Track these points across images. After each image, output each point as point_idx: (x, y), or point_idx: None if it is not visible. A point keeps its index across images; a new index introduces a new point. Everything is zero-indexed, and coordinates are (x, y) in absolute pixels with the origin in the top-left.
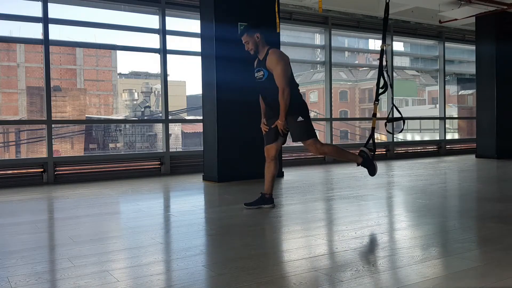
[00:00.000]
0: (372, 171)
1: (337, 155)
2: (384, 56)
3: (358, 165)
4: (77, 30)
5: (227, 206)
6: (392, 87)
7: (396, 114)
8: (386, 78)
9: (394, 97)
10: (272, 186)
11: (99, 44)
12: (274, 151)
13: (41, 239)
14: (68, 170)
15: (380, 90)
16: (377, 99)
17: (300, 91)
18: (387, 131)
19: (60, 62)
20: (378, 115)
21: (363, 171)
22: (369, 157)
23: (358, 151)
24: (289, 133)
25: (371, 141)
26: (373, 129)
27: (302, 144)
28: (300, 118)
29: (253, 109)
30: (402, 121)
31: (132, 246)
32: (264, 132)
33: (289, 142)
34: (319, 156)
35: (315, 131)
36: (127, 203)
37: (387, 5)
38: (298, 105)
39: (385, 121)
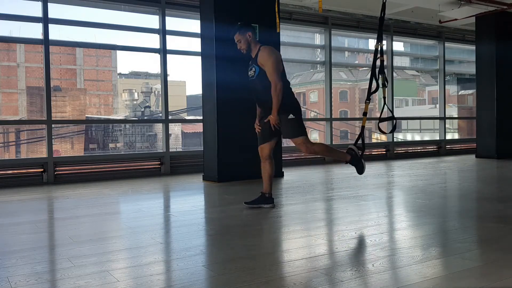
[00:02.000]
0: (360, 170)
1: (327, 153)
2: (379, 55)
3: (346, 162)
4: (77, 30)
5: (227, 206)
6: (385, 86)
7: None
8: (379, 78)
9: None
10: (270, 186)
11: (99, 44)
12: (268, 150)
13: (41, 239)
14: (68, 170)
15: (372, 89)
16: (368, 99)
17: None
18: (380, 131)
19: (60, 62)
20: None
21: None
22: (357, 155)
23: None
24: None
25: (361, 140)
26: (362, 128)
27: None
28: (291, 116)
29: (253, 109)
30: (392, 121)
31: (132, 246)
32: (258, 132)
33: (289, 142)
34: (313, 156)
35: (307, 130)
36: (127, 203)
37: (383, 4)
38: (290, 103)
39: (378, 121)
